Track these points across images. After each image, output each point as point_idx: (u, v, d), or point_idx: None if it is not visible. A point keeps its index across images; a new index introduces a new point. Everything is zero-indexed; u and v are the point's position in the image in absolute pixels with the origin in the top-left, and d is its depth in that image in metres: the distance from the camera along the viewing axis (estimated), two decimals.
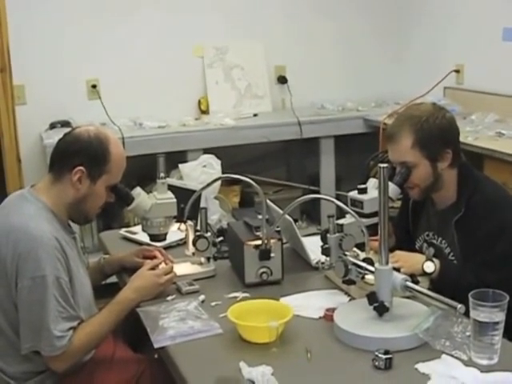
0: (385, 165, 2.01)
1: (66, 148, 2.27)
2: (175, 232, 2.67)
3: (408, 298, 2.14)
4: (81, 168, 2.23)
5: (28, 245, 2.12)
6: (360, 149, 4.37)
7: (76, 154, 2.24)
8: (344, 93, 5.20)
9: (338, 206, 2.37)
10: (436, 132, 2.45)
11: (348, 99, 5.09)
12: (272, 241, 2.39)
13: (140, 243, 2.83)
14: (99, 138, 2.27)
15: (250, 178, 2.56)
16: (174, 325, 2.12)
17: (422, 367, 1.84)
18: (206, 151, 3.89)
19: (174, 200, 2.51)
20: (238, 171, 2.76)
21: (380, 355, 1.85)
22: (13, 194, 2.37)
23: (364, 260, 2.19)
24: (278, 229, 2.50)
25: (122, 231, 3.06)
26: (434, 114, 2.48)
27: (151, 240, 2.57)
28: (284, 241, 2.48)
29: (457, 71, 4.87)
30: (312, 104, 5.08)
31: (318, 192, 4.85)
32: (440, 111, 2.51)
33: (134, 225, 3.42)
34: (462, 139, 2.61)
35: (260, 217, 2.47)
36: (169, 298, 2.35)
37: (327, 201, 2.47)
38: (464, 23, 4.82)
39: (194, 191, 2.63)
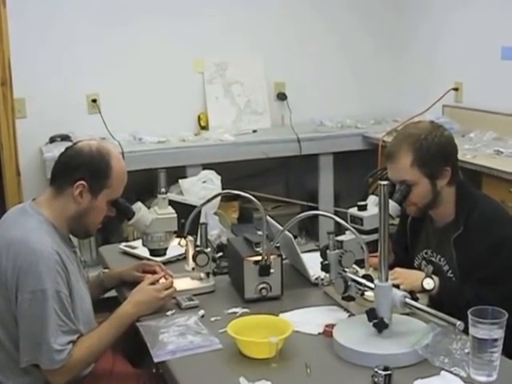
0: (385, 182, 2.02)
1: (68, 162, 2.28)
2: (175, 247, 2.67)
3: (407, 314, 2.15)
4: (82, 182, 2.23)
5: (28, 258, 2.12)
6: (359, 166, 4.38)
7: (78, 168, 2.24)
8: (343, 110, 5.22)
9: (336, 223, 2.37)
10: (435, 150, 2.46)
11: (347, 116, 5.11)
12: (272, 257, 2.40)
13: (140, 258, 2.84)
14: (101, 152, 2.28)
15: (249, 194, 2.57)
16: (174, 339, 2.13)
17: (421, 383, 1.85)
18: (206, 167, 3.91)
19: (175, 215, 2.52)
20: (237, 187, 2.76)
21: (379, 371, 1.85)
22: (14, 207, 2.37)
23: (363, 276, 2.20)
24: (278, 245, 2.51)
25: (122, 245, 3.06)
26: (433, 132, 2.49)
27: (151, 255, 2.58)
28: (283, 257, 2.49)
29: (455, 89, 4.89)
30: (311, 121, 5.10)
31: (316, 208, 4.86)
32: (438, 129, 2.52)
33: (133, 239, 3.43)
34: (460, 157, 2.62)
35: (259, 233, 2.47)
36: (168, 312, 2.35)
37: (327, 217, 2.47)
38: (463, 41, 4.85)
39: (194, 206, 2.64)
